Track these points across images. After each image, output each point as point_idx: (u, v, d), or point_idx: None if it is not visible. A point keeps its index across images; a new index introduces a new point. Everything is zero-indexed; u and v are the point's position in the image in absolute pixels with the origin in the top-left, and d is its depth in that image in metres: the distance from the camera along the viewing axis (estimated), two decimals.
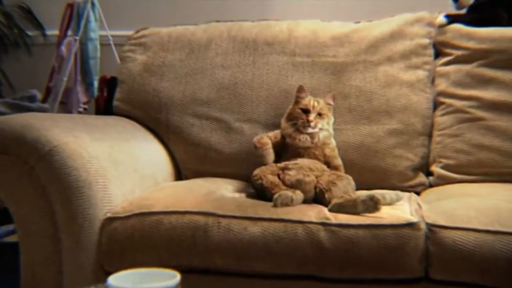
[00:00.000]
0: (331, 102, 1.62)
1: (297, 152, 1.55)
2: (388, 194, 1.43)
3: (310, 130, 1.55)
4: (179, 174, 1.80)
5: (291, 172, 1.46)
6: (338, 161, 1.59)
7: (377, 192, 1.38)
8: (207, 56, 1.83)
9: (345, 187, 1.43)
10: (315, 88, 1.73)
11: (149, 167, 1.63)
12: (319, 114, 1.56)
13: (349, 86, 1.73)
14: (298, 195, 1.40)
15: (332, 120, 1.61)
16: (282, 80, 1.77)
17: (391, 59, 1.74)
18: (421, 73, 1.73)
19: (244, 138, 1.75)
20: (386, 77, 1.73)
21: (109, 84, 2.43)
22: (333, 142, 1.61)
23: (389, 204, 1.40)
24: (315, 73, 1.76)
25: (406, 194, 1.56)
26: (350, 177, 1.49)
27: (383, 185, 1.63)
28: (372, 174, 1.67)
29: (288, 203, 1.36)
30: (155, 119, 1.81)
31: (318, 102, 1.57)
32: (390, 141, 1.69)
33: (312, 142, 1.55)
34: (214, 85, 1.80)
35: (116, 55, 2.50)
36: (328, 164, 1.56)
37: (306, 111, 1.55)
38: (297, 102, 1.59)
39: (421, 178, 1.69)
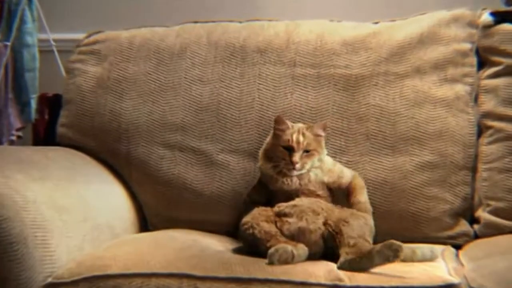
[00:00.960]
0: (321, 133, 1.64)
1: (289, 194, 1.59)
2: (420, 248, 1.44)
3: (295, 173, 1.59)
4: (145, 224, 1.81)
5: (291, 219, 1.47)
6: (346, 178, 1.66)
7: (405, 246, 1.39)
8: (181, 67, 1.86)
9: (360, 228, 1.45)
10: (321, 108, 1.76)
11: (104, 214, 1.64)
12: (306, 151, 1.59)
13: (366, 106, 1.75)
14: (301, 249, 1.41)
15: (324, 153, 1.65)
16: (279, 98, 1.80)
17: (421, 70, 1.76)
18: (460, 88, 1.76)
19: (231, 174, 1.77)
20: (415, 93, 1.75)
21: (52, 104, 2.43)
22: (326, 162, 1.65)
23: (420, 261, 1.41)
24: (321, 89, 1.79)
25: (439, 248, 1.57)
26: (368, 216, 1.50)
27: (412, 236, 1.65)
28: (398, 221, 1.68)
29: (288, 259, 1.37)
30: (112, 151, 1.83)
31: (304, 135, 1.60)
32: (421, 177, 1.70)
33: (300, 184, 1.60)
34: (190, 105, 1.82)
35: (61, 66, 2.51)
36: (333, 190, 1.64)
37: (289, 149, 1.58)
38: (276, 136, 1.62)
39: (463, 226, 1.71)
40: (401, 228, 1.67)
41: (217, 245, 1.59)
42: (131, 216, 1.77)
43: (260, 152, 1.67)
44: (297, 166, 1.57)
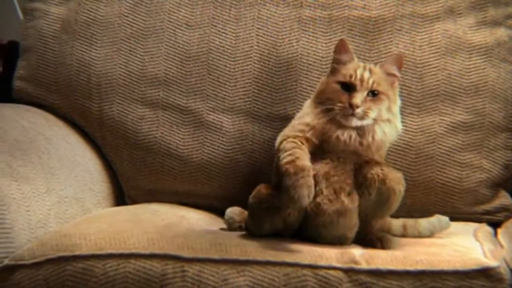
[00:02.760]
0: (396, 73, 1.49)
1: (337, 157, 1.44)
2: (426, 222, 1.52)
3: (354, 122, 1.42)
4: (121, 196, 1.82)
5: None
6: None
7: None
8: (164, 8, 1.85)
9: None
10: None
11: (73, 184, 1.64)
12: (373, 94, 1.43)
13: (387, 55, 1.74)
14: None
15: (398, 104, 1.50)
16: (282, 46, 1.79)
17: (454, 10, 1.76)
18: (502, 33, 1.76)
19: (225, 138, 1.77)
20: (447, 39, 1.75)
21: (7, 53, 2.43)
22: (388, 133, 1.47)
23: (428, 236, 1.46)
24: (334, 34, 1.78)
25: (472, 225, 1.59)
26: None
27: (442, 211, 1.65)
28: (425, 193, 1.70)
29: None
30: (82, 109, 1.83)
31: (371, 71, 1.45)
32: (453, 141, 1.71)
33: (361, 144, 1.43)
34: (175, 54, 1.82)
35: (17, 6, 2.51)
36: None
37: (350, 88, 1.43)
38: (334, 71, 1.48)
39: (503, 199, 1.72)
40: (428, 201, 1.69)
41: (207, 222, 1.60)
42: (104, 187, 1.77)
43: (309, 100, 1.53)
44: (358, 110, 1.39)
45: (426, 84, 1.74)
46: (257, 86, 1.78)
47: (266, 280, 1.28)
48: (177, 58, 1.82)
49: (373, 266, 1.29)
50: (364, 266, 1.29)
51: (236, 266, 1.30)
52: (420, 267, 1.27)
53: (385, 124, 1.44)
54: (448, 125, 1.72)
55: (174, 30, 1.83)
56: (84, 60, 1.84)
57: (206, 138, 1.78)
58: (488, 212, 1.71)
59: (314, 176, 1.36)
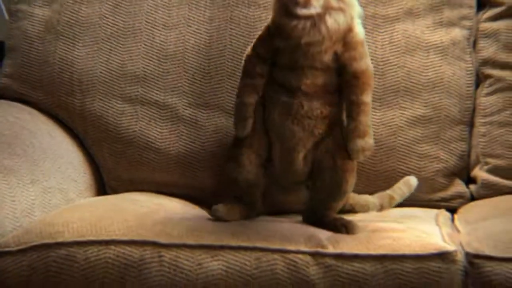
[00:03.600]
0: None
1: (295, 59, 1.44)
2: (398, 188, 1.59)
3: (299, 11, 1.39)
4: (102, 186, 1.81)
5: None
6: (364, 65, 1.46)
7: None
8: (142, 10, 1.83)
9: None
10: None
11: (56, 175, 1.62)
12: None
13: None
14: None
15: None
16: None
17: (413, 12, 1.76)
18: (457, 33, 1.76)
19: (200, 132, 1.76)
20: (406, 38, 1.75)
21: None
22: (358, 32, 1.47)
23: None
24: None
25: (432, 211, 1.60)
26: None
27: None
28: (386, 182, 1.69)
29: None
30: (64, 104, 1.81)
31: None
32: (412, 133, 1.71)
33: (319, 33, 1.40)
34: (153, 53, 1.81)
35: (3, 7, 2.48)
36: (343, 68, 1.45)
37: None
38: None
39: (459, 186, 1.73)
40: (388, 188, 1.68)
41: (184, 210, 1.59)
42: (86, 178, 1.76)
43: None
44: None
45: (387, 81, 1.73)
46: (230, 83, 1.77)
47: (238, 264, 1.28)
48: (154, 57, 1.80)
49: (338, 250, 1.29)
50: (330, 250, 1.30)
51: (210, 251, 1.30)
52: (382, 251, 1.28)
53: (337, 13, 1.41)
54: (407, 118, 1.72)
55: (152, 30, 1.82)
56: (66, 58, 1.82)
57: (183, 132, 1.76)
58: (444, 199, 1.71)
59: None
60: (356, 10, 1.46)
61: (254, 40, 1.55)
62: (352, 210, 1.60)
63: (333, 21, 1.41)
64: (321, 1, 1.39)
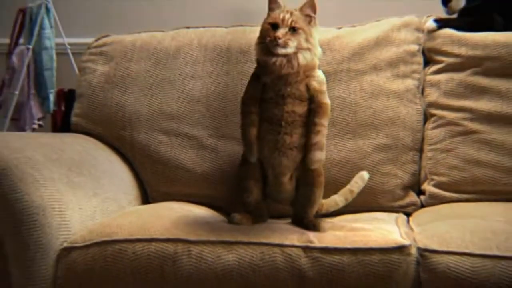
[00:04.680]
0: (311, 13, 1.41)
1: (278, 90, 1.41)
2: (355, 183, 1.60)
3: (279, 50, 1.36)
4: (146, 197, 1.79)
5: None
6: (325, 98, 1.44)
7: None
8: (176, 66, 1.84)
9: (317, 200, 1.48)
10: None
11: (112, 189, 1.62)
12: (293, 29, 1.37)
13: (331, 98, 1.71)
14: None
15: (315, 35, 1.42)
16: None
17: (377, 67, 1.76)
18: (410, 83, 1.76)
19: (219, 156, 1.75)
20: (372, 87, 1.74)
21: (67, 97, 2.42)
22: (320, 75, 1.45)
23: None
24: None
25: (393, 215, 1.59)
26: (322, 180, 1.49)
27: (370, 206, 1.65)
28: (359, 193, 1.65)
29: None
30: (118, 136, 1.81)
31: (291, 14, 1.38)
32: (377, 157, 1.70)
33: (291, 68, 1.38)
34: (183, 97, 1.80)
35: (75, 65, 2.49)
36: (311, 100, 1.42)
37: (275, 26, 1.37)
38: (267, 16, 1.42)
39: (412, 197, 1.71)
40: (360, 199, 1.65)
41: (206, 214, 1.58)
42: (134, 191, 1.75)
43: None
44: (280, 41, 1.35)
45: (358, 118, 1.73)
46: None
47: (248, 256, 1.28)
48: (185, 100, 1.80)
49: (323, 245, 1.28)
50: (316, 244, 1.29)
51: (227, 246, 1.30)
52: (356, 245, 1.28)
53: (305, 52, 1.39)
54: (374, 146, 1.71)
55: (183, 81, 1.82)
56: (120, 102, 1.82)
57: (206, 156, 1.76)
58: (402, 206, 1.70)
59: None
60: (319, 50, 1.45)
61: (245, 87, 1.50)
62: (327, 212, 1.58)
63: (302, 58, 1.39)
64: (295, 43, 1.37)
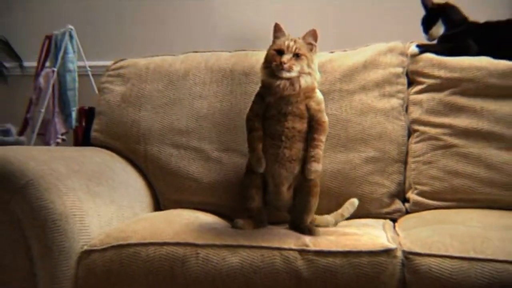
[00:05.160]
0: (312, 41, 1.43)
1: (280, 108, 1.41)
2: (346, 209, 1.58)
3: (284, 74, 1.38)
4: (158, 204, 1.78)
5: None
6: (324, 117, 1.44)
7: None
8: (185, 86, 1.84)
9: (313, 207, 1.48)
10: None
11: (127, 197, 1.62)
12: (297, 55, 1.39)
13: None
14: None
15: (315, 61, 1.44)
16: None
17: (366, 88, 1.76)
18: (395, 101, 1.76)
19: (223, 167, 1.74)
20: (361, 105, 1.74)
21: (87, 115, 2.42)
22: (319, 95, 1.46)
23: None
24: None
25: (381, 221, 1.58)
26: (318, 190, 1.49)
27: (360, 212, 1.63)
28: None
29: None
30: (133, 150, 1.80)
31: (295, 41, 1.40)
32: (366, 168, 1.69)
33: (294, 90, 1.39)
34: (192, 114, 1.80)
35: (95, 85, 2.49)
36: (311, 119, 1.43)
37: (280, 52, 1.39)
38: (272, 43, 1.44)
39: (398, 204, 1.70)
40: None
41: (212, 220, 1.57)
42: (147, 199, 1.74)
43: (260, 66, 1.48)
44: (285, 66, 1.36)
45: (349, 133, 1.73)
46: (244, 135, 1.71)
47: (250, 258, 1.27)
48: (193, 118, 1.80)
49: (317, 248, 1.28)
50: (312, 248, 1.28)
51: (231, 249, 1.29)
52: (347, 248, 1.27)
53: (306, 76, 1.40)
54: (363, 158, 1.71)
55: (192, 100, 1.82)
56: (135, 119, 1.82)
57: (212, 168, 1.75)
58: (388, 213, 1.69)
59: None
60: (318, 74, 1.46)
61: (250, 105, 1.50)
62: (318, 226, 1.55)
63: (304, 81, 1.40)
64: (298, 67, 1.39)
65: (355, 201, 1.61)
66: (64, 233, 1.31)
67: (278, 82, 1.39)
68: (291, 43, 1.39)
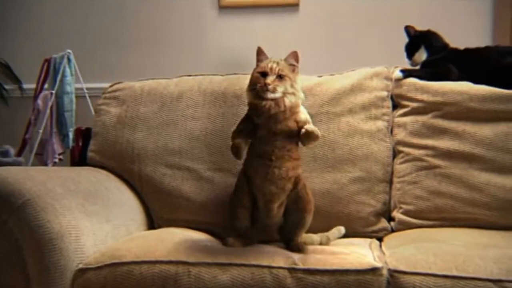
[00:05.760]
0: (294, 62, 1.44)
1: (269, 127, 1.41)
2: (333, 233, 1.57)
3: (269, 95, 1.38)
4: (152, 223, 1.77)
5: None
6: (311, 127, 1.41)
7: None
8: (179, 108, 1.84)
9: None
10: None
11: (122, 216, 1.61)
12: (280, 77, 1.39)
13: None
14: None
15: (298, 82, 1.44)
16: None
17: (352, 110, 1.77)
18: (380, 124, 1.77)
19: (215, 187, 1.73)
20: (348, 127, 1.75)
21: (84, 135, 2.41)
22: (302, 109, 1.46)
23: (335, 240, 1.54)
24: None
25: (367, 240, 1.58)
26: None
27: (347, 231, 1.63)
28: (337, 220, 1.66)
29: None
30: (128, 169, 1.80)
31: (277, 63, 1.40)
32: (353, 188, 1.70)
33: (279, 107, 1.39)
34: (185, 135, 1.80)
35: (91, 107, 2.50)
36: (300, 129, 1.41)
37: (264, 74, 1.39)
38: (256, 66, 1.44)
39: (383, 223, 1.70)
40: (338, 225, 1.64)
41: (204, 239, 1.56)
42: (141, 218, 1.73)
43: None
44: (270, 87, 1.37)
45: (336, 154, 1.73)
46: (235, 155, 1.76)
47: (240, 276, 1.27)
48: (186, 138, 1.80)
49: (306, 266, 1.28)
50: (300, 266, 1.28)
51: (222, 267, 1.29)
52: (334, 267, 1.27)
53: (290, 95, 1.40)
54: (350, 178, 1.71)
55: (185, 122, 1.82)
56: (130, 140, 1.82)
57: (204, 187, 1.75)
58: (374, 231, 1.69)
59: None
60: (301, 94, 1.46)
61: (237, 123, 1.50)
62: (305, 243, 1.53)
63: (288, 101, 1.40)
64: (282, 88, 1.39)
65: (342, 229, 1.61)
66: (60, 251, 1.30)
67: (264, 103, 1.39)
68: (274, 65, 1.39)
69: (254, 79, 1.42)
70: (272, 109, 1.38)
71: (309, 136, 1.39)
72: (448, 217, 1.65)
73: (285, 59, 1.44)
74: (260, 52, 1.45)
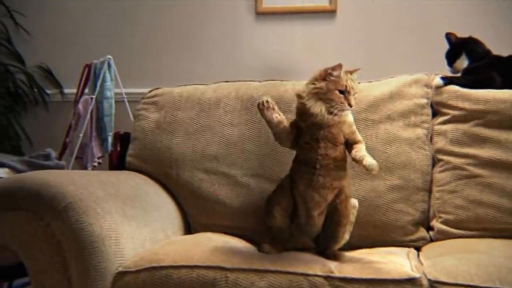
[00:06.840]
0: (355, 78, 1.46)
1: (313, 133, 1.42)
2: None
3: (344, 113, 1.42)
4: (188, 227, 1.79)
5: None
6: (358, 136, 1.46)
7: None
8: (216, 114, 1.85)
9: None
10: None
11: (160, 221, 1.63)
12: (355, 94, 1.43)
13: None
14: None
15: None
16: None
17: (391, 117, 1.75)
18: (419, 131, 1.75)
19: (251, 192, 1.74)
20: (387, 134, 1.74)
21: (123, 139, 2.45)
22: (349, 118, 1.47)
23: None
24: None
25: (405, 249, 1.56)
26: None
27: (385, 240, 1.62)
28: (375, 228, 1.66)
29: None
30: (166, 174, 1.82)
31: (353, 81, 1.42)
32: (391, 196, 1.68)
33: (334, 120, 1.42)
34: (222, 141, 1.81)
35: (130, 112, 2.54)
36: (347, 141, 1.44)
37: (344, 92, 1.40)
38: (331, 81, 1.40)
39: (422, 232, 1.68)
40: (376, 234, 1.64)
41: (240, 244, 1.57)
42: (179, 222, 1.75)
43: (304, 93, 1.44)
44: (351, 108, 1.41)
45: None
46: (271, 161, 1.76)
47: (277, 283, 1.27)
48: (223, 144, 1.81)
49: (342, 275, 1.27)
50: (337, 274, 1.27)
51: (259, 274, 1.29)
52: (371, 276, 1.26)
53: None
54: (388, 186, 1.69)
55: (222, 127, 1.83)
56: (168, 145, 1.84)
57: (240, 192, 1.76)
58: (413, 241, 1.66)
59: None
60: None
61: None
62: None
63: (345, 114, 1.44)
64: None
65: (355, 202, 1.55)
66: (100, 254, 1.32)
67: (331, 117, 1.39)
68: (351, 83, 1.40)
69: (333, 96, 1.39)
70: (332, 120, 1.40)
71: (368, 171, 1.38)
72: (489, 227, 1.62)
73: (351, 73, 1.43)
74: (339, 67, 1.40)
